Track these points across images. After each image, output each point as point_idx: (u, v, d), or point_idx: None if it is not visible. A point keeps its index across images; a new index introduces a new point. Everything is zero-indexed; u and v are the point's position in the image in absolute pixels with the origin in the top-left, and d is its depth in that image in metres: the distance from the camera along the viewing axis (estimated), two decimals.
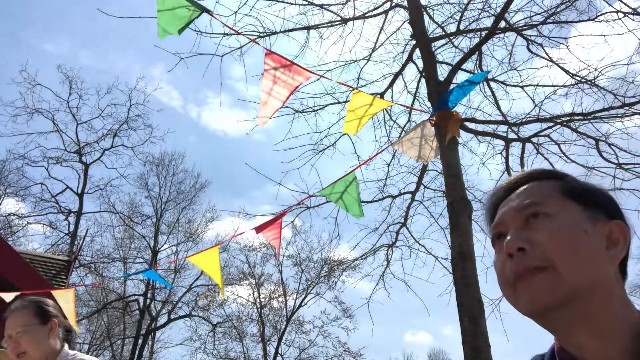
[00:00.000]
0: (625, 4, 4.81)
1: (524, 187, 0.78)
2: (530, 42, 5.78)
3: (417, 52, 5.82)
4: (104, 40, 31.79)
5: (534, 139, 5.83)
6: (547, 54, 5.76)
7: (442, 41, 6.27)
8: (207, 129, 34.35)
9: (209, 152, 34.76)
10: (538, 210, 0.72)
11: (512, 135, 5.96)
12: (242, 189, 35.41)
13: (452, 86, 4.65)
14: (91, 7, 27.96)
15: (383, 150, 5.11)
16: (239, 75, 31.58)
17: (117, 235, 20.68)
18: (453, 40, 6.34)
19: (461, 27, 6.03)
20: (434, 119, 3.93)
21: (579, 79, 5.36)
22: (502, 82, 6.25)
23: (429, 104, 5.51)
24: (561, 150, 5.73)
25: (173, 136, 36.27)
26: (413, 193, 6.91)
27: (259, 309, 19.59)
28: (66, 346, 1.89)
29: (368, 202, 6.94)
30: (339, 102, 6.43)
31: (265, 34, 5.92)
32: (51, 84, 27.93)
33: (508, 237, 0.72)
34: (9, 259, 5.75)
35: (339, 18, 6.38)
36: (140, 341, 19.13)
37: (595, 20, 5.04)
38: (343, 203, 3.88)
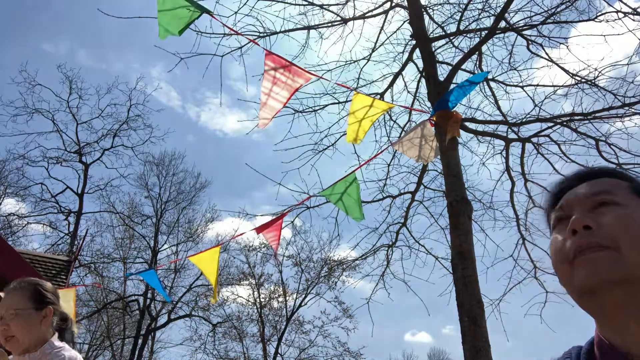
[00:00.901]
0: (625, 4, 4.82)
1: (594, 179, 0.80)
2: (530, 42, 5.79)
3: (417, 52, 5.83)
4: (104, 40, 31.78)
5: (534, 139, 5.84)
6: (547, 54, 5.77)
7: (442, 41, 6.29)
8: (207, 128, 34.36)
9: (208, 152, 34.76)
10: (608, 198, 0.74)
11: (512, 135, 5.97)
12: (242, 189, 35.41)
13: (452, 86, 4.65)
14: (91, 7, 28.00)
15: (383, 150, 5.11)
16: (238, 75, 31.59)
17: (117, 235, 20.69)
18: (453, 40, 6.35)
19: (461, 27, 6.04)
20: (434, 119, 3.93)
21: (579, 79, 5.36)
22: (502, 82, 6.26)
23: (429, 104, 5.52)
24: (561, 150, 5.74)
25: (173, 136, 36.24)
26: (413, 193, 6.91)
27: (259, 309, 19.58)
28: (55, 336, 1.78)
29: (368, 202, 6.95)
30: (339, 102, 6.45)
31: (265, 34, 5.93)
32: (51, 84, 27.89)
33: (574, 216, 0.73)
34: (9, 259, 5.74)
35: (339, 18, 6.39)
36: (140, 341, 19.14)
37: (595, 20, 5.04)
38: (343, 205, 3.88)
